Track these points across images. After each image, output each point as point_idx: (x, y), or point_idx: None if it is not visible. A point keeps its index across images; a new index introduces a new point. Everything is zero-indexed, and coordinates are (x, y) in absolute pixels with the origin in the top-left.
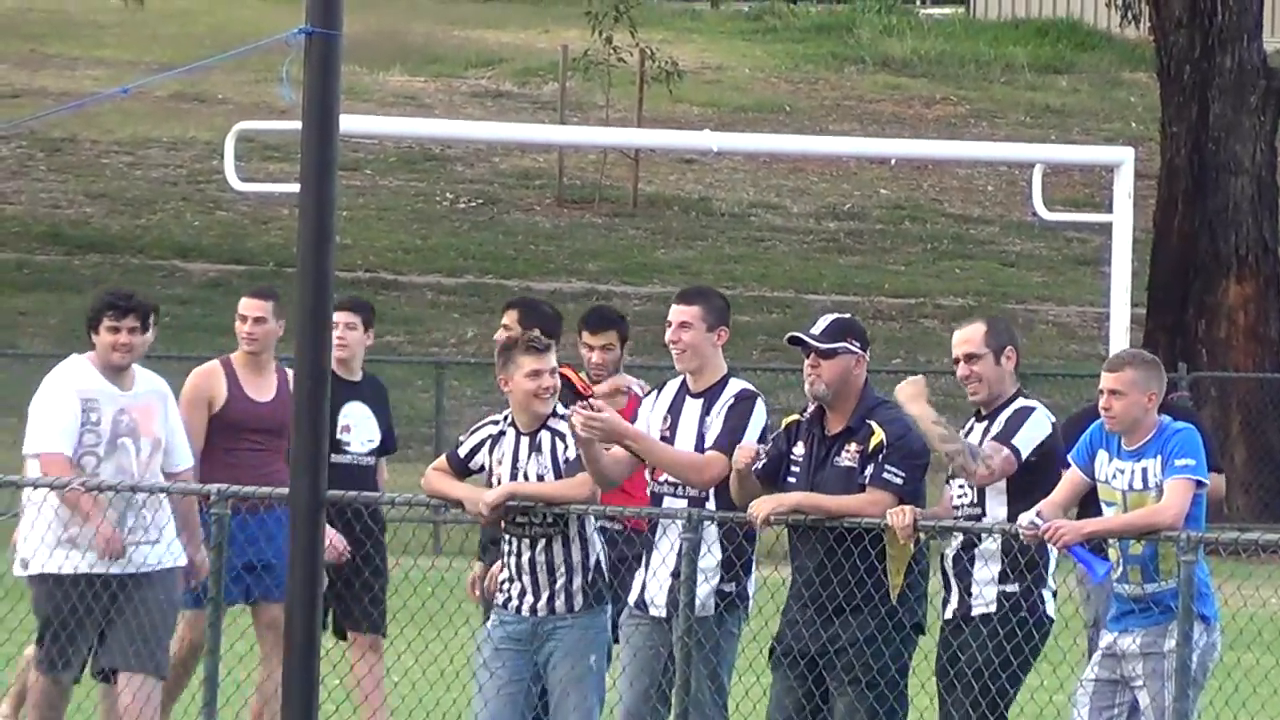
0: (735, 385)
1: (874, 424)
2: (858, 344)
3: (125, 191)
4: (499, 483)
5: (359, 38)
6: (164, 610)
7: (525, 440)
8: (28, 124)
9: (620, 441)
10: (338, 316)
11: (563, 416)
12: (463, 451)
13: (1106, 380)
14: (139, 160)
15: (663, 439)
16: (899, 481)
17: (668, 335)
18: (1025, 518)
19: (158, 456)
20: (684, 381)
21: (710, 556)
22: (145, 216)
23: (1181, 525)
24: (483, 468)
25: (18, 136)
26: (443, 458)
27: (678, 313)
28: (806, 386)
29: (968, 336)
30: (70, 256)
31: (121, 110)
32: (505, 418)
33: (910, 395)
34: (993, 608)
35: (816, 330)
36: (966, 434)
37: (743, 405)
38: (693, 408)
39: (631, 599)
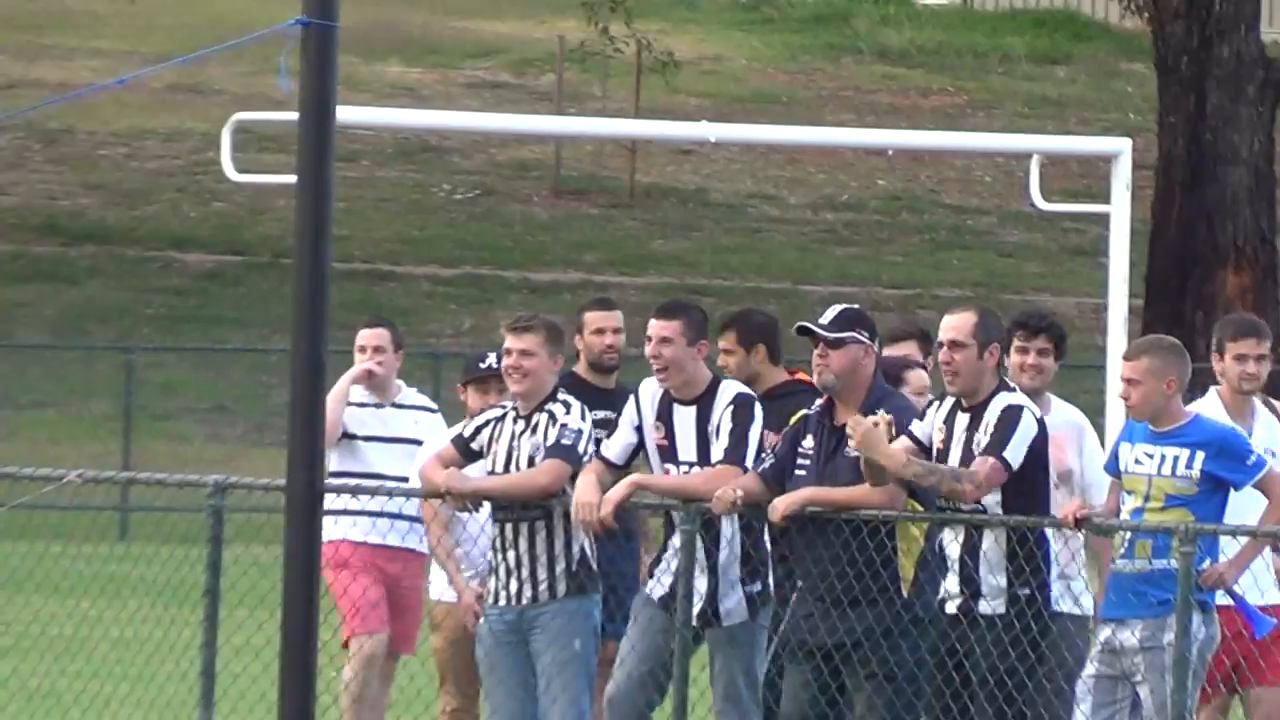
0: (729, 389)
1: (882, 414)
2: (866, 334)
3: (122, 183)
4: (493, 464)
5: (356, 28)
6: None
7: (521, 422)
8: (24, 115)
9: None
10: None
11: (564, 402)
12: (467, 432)
13: (1123, 369)
14: (135, 151)
15: (659, 448)
16: None
17: (648, 350)
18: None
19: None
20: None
21: (735, 563)
22: (142, 208)
23: None
24: (481, 451)
25: (14, 127)
26: (445, 447)
27: (658, 328)
28: (815, 377)
29: (956, 324)
30: (66, 248)
31: (118, 101)
32: (512, 402)
33: (868, 443)
34: (1001, 608)
35: (825, 320)
36: (948, 420)
37: (742, 410)
38: (685, 415)
39: (655, 594)
